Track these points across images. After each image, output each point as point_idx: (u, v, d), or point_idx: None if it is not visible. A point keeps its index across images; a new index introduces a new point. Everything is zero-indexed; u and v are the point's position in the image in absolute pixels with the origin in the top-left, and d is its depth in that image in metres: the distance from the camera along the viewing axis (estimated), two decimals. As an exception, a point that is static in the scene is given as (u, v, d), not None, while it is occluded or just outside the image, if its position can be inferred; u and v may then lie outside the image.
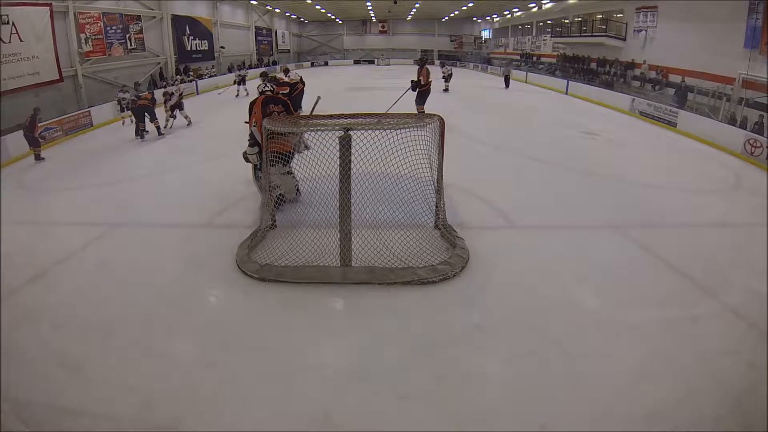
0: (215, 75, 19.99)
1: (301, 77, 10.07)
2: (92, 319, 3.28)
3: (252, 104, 5.03)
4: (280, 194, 4.77)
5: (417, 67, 9.33)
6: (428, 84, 9.10)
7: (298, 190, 5.14)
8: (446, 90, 16.13)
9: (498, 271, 3.88)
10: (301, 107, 9.29)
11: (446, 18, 34.27)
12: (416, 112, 8.81)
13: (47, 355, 2.91)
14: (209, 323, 3.27)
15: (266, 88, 5.26)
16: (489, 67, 27.78)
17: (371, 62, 34.76)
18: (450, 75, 16.86)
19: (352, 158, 3.64)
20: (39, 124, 8.47)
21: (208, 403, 2.53)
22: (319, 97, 5.76)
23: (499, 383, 2.73)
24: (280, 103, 5.01)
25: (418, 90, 9.06)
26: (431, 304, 3.41)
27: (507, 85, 18.45)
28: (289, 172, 4.94)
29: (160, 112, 9.91)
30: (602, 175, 6.63)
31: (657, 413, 2.43)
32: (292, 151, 4.79)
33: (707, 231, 4.80)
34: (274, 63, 28.11)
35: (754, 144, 8.03)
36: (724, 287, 3.68)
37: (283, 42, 31.99)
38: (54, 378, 2.70)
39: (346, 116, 3.98)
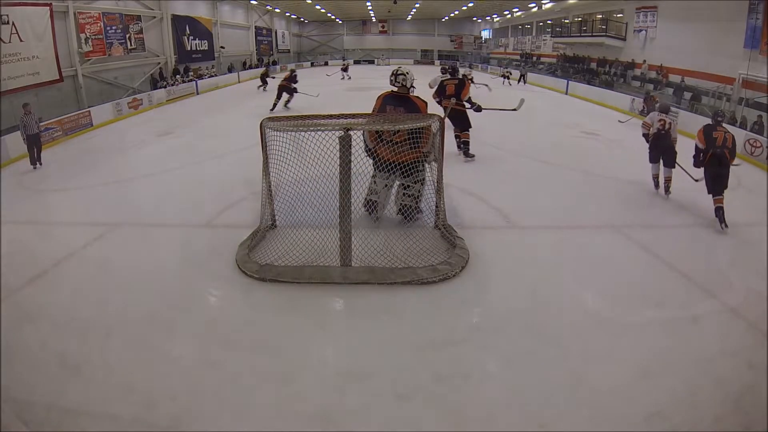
0: (215, 75, 19.98)
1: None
2: (92, 319, 3.28)
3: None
4: (372, 200, 4.38)
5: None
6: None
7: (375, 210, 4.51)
8: (509, 84, 19.85)
9: (498, 272, 3.88)
10: None
11: (446, 18, 34.26)
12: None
13: (47, 355, 2.90)
14: (209, 323, 3.26)
15: (397, 83, 4.48)
16: (489, 66, 27.75)
17: (371, 62, 34.75)
18: (510, 74, 21.03)
19: (352, 158, 3.63)
20: None
21: (208, 403, 2.53)
22: (522, 100, 4.90)
23: (498, 383, 2.72)
24: (402, 107, 4.21)
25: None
26: (431, 304, 3.41)
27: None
28: (388, 186, 4.23)
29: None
30: (602, 175, 6.63)
31: (657, 413, 2.43)
32: (412, 161, 4.12)
33: (707, 231, 4.80)
34: (274, 63, 28.08)
35: (754, 144, 8.03)
36: (724, 287, 3.68)
37: (283, 42, 31.99)
38: (54, 378, 2.70)
39: (346, 116, 3.97)
